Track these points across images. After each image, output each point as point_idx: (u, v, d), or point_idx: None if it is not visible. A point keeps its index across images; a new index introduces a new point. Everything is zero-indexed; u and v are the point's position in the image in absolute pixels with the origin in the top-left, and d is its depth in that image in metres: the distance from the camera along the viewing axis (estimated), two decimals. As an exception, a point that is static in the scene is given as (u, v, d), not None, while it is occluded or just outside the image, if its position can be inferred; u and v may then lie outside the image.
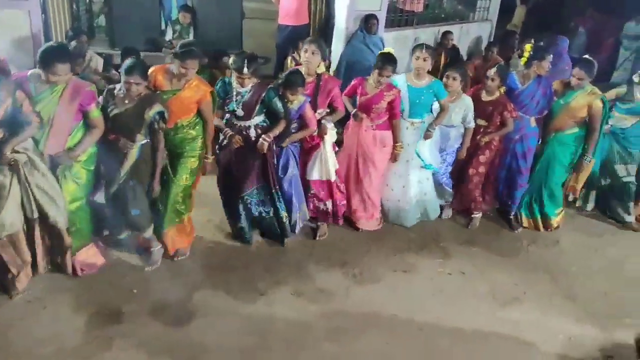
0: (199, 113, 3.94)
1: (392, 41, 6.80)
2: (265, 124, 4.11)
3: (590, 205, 5.49)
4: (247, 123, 4.06)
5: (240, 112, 4.02)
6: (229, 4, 6.64)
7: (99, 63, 5.43)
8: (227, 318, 3.68)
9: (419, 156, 4.71)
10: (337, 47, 6.55)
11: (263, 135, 4.02)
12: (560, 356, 3.60)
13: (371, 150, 4.56)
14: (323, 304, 3.92)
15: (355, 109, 4.50)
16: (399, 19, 7.14)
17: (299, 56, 5.95)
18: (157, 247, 4.06)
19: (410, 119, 4.62)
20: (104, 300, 3.68)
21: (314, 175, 4.48)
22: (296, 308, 3.85)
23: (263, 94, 3.99)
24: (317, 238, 4.62)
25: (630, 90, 4.97)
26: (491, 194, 5.16)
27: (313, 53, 4.22)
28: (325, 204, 4.61)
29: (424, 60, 4.48)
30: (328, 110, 4.41)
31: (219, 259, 4.28)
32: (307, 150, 4.46)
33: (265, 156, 4.11)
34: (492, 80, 4.63)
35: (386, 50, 4.51)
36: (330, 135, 4.42)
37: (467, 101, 4.70)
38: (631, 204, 5.28)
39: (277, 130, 4.09)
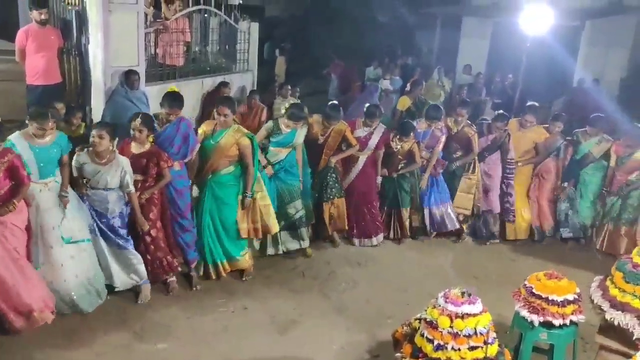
0: None
1: (157, 94, 6.84)
2: None
3: (280, 248, 5.43)
4: None
5: None
6: (-35, 65, 6.06)
7: None
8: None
9: (67, 240, 4.11)
10: (98, 104, 6.40)
11: None
12: (336, 365, 3.97)
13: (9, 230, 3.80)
14: (103, 367, 3.74)
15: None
16: (160, 73, 7.26)
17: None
18: None
19: (42, 180, 4.05)
20: None
21: None
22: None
23: None
24: None
25: (276, 124, 5.28)
26: (177, 248, 4.77)
27: None
28: None
29: (51, 129, 4.04)
30: None
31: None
32: None
33: None
34: (140, 131, 4.37)
35: None
36: None
37: (123, 161, 4.26)
38: (303, 230, 5.48)
39: None
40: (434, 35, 15.46)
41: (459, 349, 3.09)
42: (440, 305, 3.21)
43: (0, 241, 3.77)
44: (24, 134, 4.01)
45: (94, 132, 4.16)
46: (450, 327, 3.11)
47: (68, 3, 6.44)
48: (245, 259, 5.03)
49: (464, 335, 3.09)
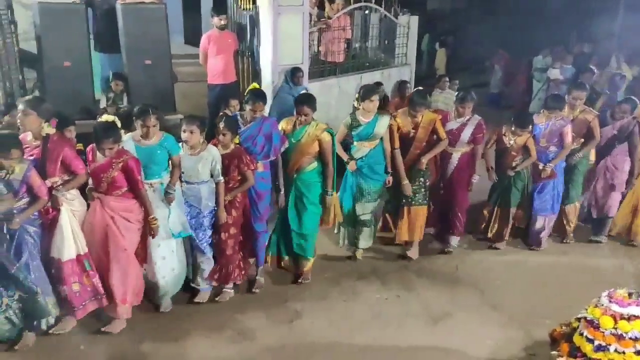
0: None
1: (318, 90, 7.26)
2: None
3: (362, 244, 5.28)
4: None
5: None
6: (159, 70, 6.93)
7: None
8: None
9: (176, 235, 4.25)
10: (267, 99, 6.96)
11: None
12: (489, 359, 3.90)
13: (113, 228, 3.96)
14: (268, 339, 4.11)
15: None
16: (322, 69, 7.65)
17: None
18: None
19: (147, 180, 4.10)
20: None
21: (64, 254, 3.84)
22: (242, 347, 4.03)
23: None
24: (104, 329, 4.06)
25: (354, 117, 4.99)
26: (251, 251, 4.75)
27: (26, 115, 3.76)
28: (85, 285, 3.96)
29: (154, 125, 4.06)
30: (67, 178, 3.88)
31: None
32: (48, 226, 3.86)
33: None
34: (224, 135, 4.30)
35: (106, 118, 3.98)
36: (69, 206, 3.87)
37: (214, 151, 4.28)
38: (366, 230, 5.20)
39: None
40: (616, 19, 14.07)
41: (623, 352, 2.90)
42: (603, 305, 3.03)
43: (114, 233, 3.97)
44: (134, 135, 4.14)
45: (184, 127, 4.18)
46: (614, 328, 2.93)
47: (243, 8, 7.10)
48: (311, 261, 4.88)
49: (630, 338, 2.89)
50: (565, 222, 5.69)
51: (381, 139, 5.00)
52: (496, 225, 5.57)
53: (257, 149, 4.47)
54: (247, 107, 4.51)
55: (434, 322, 4.36)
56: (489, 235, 5.60)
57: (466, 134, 5.23)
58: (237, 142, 4.42)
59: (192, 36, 11.05)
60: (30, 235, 3.72)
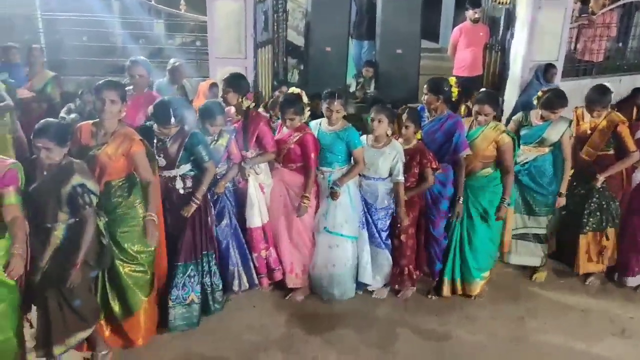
0: (134, 169, 3.45)
1: (570, 90, 6.76)
2: (192, 173, 3.74)
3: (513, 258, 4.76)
4: (172, 173, 3.71)
5: (162, 162, 3.65)
6: (408, 60, 7.27)
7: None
8: (408, 334, 4.06)
9: (326, 229, 4.11)
10: (511, 95, 6.82)
11: (192, 198, 3.68)
12: None
13: (287, 202, 4.15)
14: (496, 328, 4.12)
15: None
16: (576, 68, 7.19)
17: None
18: (103, 352, 3.51)
19: (321, 167, 4.10)
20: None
21: (253, 221, 4.11)
22: (469, 330, 4.10)
23: (186, 140, 3.64)
24: (288, 297, 4.30)
25: (526, 115, 4.44)
26: (424, 259, 4.40)
27: (226, 92, 4.04)
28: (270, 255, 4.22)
29: (337, 111, 3.98)
30: (260, 152, 4.10)
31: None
32: (240, 195, 4.13)
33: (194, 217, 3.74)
34: (407, 127, 4.04)
35: (292, 90, 4.19)
36: (256, 178, 4.08)
37: (398, 148, 4.02)
38: (537, 246, 4.62)
39: (205, 186, 3.72)
40: None
41: None
42: None
43: (287, 207, 4.15)
44: (322, 122, 4.14)
45: (372, 116, 3.99)
46: None
47: (499, 2, 7.02)
48: (481, 283, 4.38)
49: None
50: None
51: (557, 149, 4.37)
52: None
53: (434, 147, 4.15)
54: (424, 99, 4.24)
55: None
56: None
57: None
58: (419, 137, 4.18)
59: (428, 31, 11.24)
60: (229, 199, 4.03)
